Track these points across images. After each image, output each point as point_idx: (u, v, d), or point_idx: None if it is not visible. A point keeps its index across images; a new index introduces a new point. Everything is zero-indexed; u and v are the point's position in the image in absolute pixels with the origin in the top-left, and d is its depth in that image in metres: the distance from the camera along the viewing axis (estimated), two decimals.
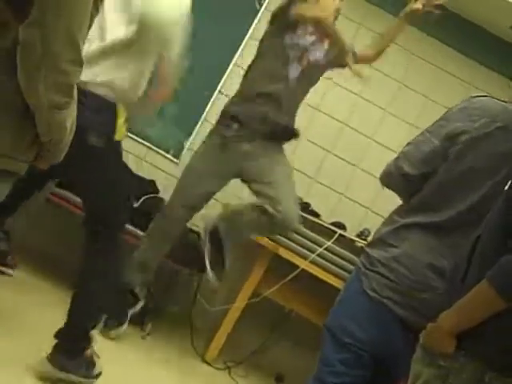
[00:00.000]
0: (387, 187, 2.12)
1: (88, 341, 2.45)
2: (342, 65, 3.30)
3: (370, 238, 3.67)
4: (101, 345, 2.98)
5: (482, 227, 1.65)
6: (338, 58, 3.24)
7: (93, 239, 2.45)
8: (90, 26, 1.60)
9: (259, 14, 4.13)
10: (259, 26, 4.02)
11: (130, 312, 3.21)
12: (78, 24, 1.52)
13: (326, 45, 3.21)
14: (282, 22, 3.14)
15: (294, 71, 3.14)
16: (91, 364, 2.47)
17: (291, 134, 3.21)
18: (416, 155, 1.95)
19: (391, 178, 2.04)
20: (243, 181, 3.23)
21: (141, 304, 3.27)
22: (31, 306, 2.92)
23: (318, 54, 3.20)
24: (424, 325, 1.66)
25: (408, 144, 2.04)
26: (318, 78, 3.33)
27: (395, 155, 4.30)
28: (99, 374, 2.50)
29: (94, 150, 2.27)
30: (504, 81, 4.14)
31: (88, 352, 2.46)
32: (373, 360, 1.93)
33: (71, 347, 2.40)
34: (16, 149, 1.60)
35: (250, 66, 3.28)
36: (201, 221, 3.36)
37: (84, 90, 2.19)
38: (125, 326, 3.18)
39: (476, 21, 4.10)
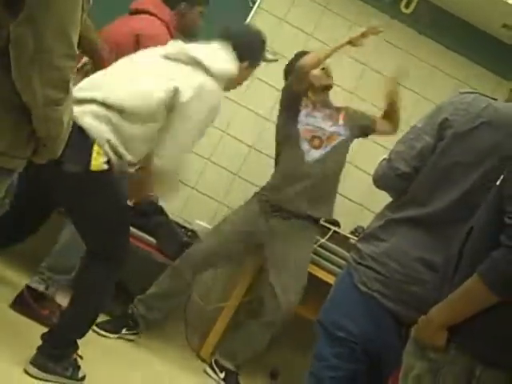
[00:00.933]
0: (383, 189, 2.14)
1: (74, 347, 2.44)
2: (367, 133, 3.55)
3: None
4: (95, 341, 3.01)
5: (474, 221, 1.66)
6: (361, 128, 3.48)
7: (91, 256, 2.47)
8: (80, 22, 1.61)
9: (252, 12, 4.14)
10: (252, 23, 4.04)
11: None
12: (69, 18, 1.52)
13: (340, 119, 3.37)
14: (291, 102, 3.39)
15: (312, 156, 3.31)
16: (76, 367, 2.46)
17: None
18: (409, 152, 1.97)
19: (387, 180, 2.05)
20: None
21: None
22: None
23: (335, 129, 3.38)
24: (415, 318, 1.67)
25: (398, 143, 2.05)
26: (346, 152, 3.52)
27: (388, 152, 4.33)
28: (84, 377, 2.48)
29: (73, 177, 2.24)
30: (497, 79, 4.17)
31: (73, 356, 2.46)
32: (366, 354, 1.95)
33: (56, 353, 2.39)
34: (13, 146, 1.60)
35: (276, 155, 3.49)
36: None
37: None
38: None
39: (469, 19, 4.11)
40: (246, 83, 2.95)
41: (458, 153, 1.88)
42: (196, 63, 2.43)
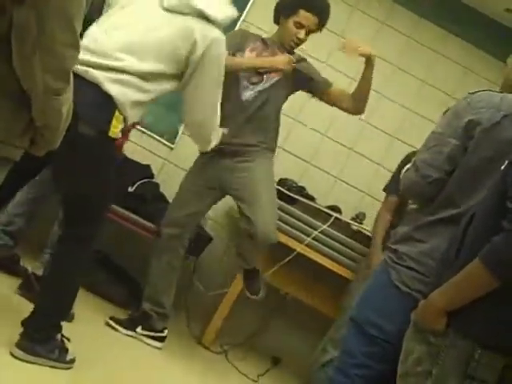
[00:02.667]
0: (412, 198, 2.14)
1: (57, 329, 2.40)
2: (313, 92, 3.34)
3: (365, 222, 3.69)
4: (98, 329, 3.02)
5: (476, 206, 1.66)
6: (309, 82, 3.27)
7: (68, 236, 2.41)
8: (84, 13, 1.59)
9: (249, 4, 4.10)
10: (252, 10, 4.02)
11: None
12: (72, 6, 1.51)
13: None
14: None
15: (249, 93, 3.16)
16: (63, 349, 2.42)
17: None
18: (437, 158, 1.94)
19: (418, 188, 2.02)
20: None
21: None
22: None
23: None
24: None
25: (421, 152, 2.02)
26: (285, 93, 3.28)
27: (390, 138, 4.31)
28: (73, 360, 2.45)
29: (83, 138, 2.16)
30: (499, 64, 4.14)
31: (58, 338, 2.41)
32: (398, 353, 1.93)
33: (39, 336, 2.35)
34: (10, 134, 1.60)
35: None
36: None
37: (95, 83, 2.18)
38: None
39: (471, 3, 4.08)
40: None
41: (485, 148, 1.87)
42: (200, 14, 2.35)
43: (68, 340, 2.47)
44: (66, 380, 2.40)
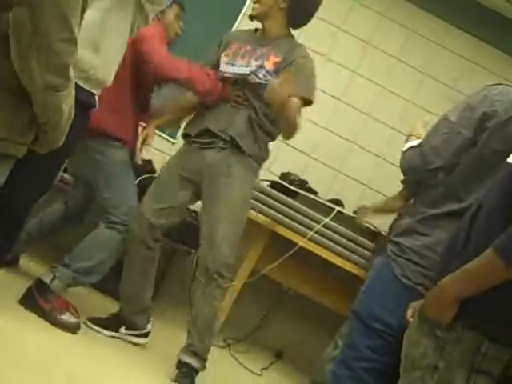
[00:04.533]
0: (411, 181, 2.10)
1: None
2: None
3: None
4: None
5: (482, 198, 1.64)
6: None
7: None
8: (83, 8, 1.58)
9: (246, 4, 4.14)
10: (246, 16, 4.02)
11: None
12: (67, 2, 1.51)
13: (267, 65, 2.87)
14: None
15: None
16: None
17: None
18: (446, 147, 1.93)
19: (418, 173, 2.01)
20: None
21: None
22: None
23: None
24: None
25: (431, 136, 1.99)
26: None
27: (392, 131, 4.28)
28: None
29: None
30: (500, 54, 4.13)
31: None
32: (401, 347, 1.93)
33: None
34: (13, 131, 1.59)
35: None
36: None
37: None
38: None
39: None
40: None
41: (496, 142, 1.85)
42: None
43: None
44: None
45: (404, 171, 2.12)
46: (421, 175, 2.01)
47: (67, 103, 1.65)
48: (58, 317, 2.71)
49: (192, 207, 3.77)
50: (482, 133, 1.88)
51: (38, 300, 2.73)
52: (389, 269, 1.98)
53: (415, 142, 2.06)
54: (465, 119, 1.92)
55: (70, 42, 1.53)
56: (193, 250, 3.52)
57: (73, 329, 2.73)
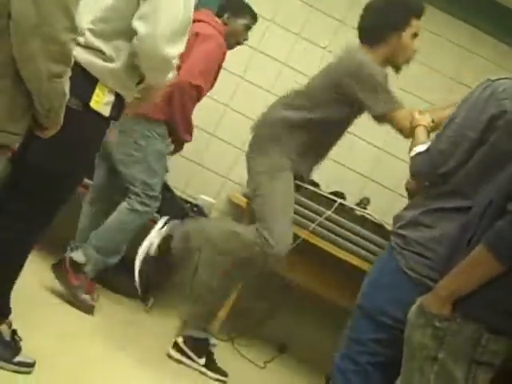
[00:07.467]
0: (420, 181, 2.10)
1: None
2: None
3: (369, 207, 3.68)
4: (104, 322, 3.03)
5: (493, 195, 1.63)
6: None
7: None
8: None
9: None
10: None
11: None
12: None
13: None
14: None
15: None
16: (13, 348, 2.13)
17: None
18: (453, 150, 1.91)
19: (427, 177, 2.02)
20: None
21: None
22: None
23: None
24: None
25: (438, 141, 1.98)
26: None
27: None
28: (28, 364, 2.15)
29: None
30: (501, 46, 4.12)
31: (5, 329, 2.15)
32: None
33: None
34: (9, 122, 1.60)
35: None
36: None
37: None
38: None
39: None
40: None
41: (506, 140, 1.83)
42: None
43: (20, 339, 2.17)
44: None
45: (414, 177, 2.12)
46: (430, 180, 2.00)
47: (67, 85, 1.67)
48: (80, 294, 2.95)
49: (195, 202, 3.77)
50: (490, 132, 1.85)
51: (68, 274, 2.95)
52: (394, 262, 1.97)
53: (422, 148, 2.04)
54: (471, 120, 1.88)
55: (72, 31, 1.56)
56: None
57: (88, 310, 2.98)
